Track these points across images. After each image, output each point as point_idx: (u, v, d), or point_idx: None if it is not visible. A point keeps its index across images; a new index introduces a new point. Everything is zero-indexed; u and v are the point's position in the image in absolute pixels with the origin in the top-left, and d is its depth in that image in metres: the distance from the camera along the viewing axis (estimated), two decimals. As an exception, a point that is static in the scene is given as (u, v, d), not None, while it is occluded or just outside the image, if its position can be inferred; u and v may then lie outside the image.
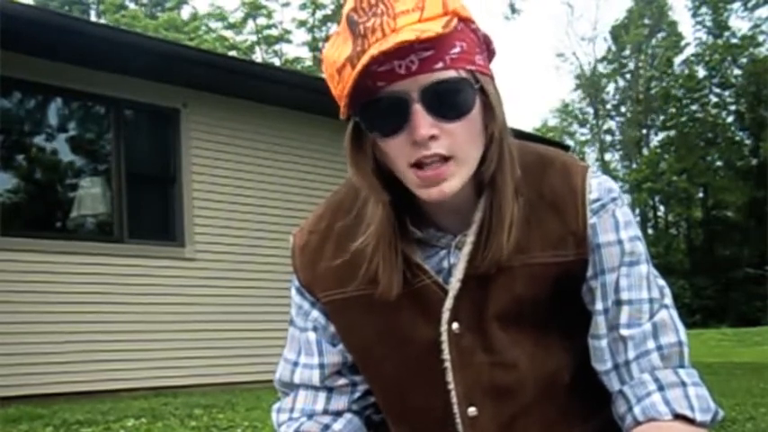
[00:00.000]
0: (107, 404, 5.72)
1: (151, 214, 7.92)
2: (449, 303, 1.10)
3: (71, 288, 6.80)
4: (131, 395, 6.47)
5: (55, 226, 7.66)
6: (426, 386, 1.14)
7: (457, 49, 1.00)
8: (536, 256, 1.09)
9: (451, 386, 1.12)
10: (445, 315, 1.10)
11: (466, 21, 1.02)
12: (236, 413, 5.18)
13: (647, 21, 37.12)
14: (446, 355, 1.11)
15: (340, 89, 1.01)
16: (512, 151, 1.08)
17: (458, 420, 1.13)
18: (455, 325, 1.11)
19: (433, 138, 0.99)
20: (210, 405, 5.60)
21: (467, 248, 1.09)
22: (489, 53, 1.07)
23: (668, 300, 1.11)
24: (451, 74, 0.99)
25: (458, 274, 1.10)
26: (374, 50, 0.95)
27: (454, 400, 1.12)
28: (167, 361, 7.25)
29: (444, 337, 1.11)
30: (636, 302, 1.09)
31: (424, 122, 0.99)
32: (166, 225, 7.75)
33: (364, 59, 0.95)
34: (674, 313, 1.11)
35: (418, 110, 0.99)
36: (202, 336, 7.51)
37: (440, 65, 0.99)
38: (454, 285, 1.10)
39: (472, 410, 1.12)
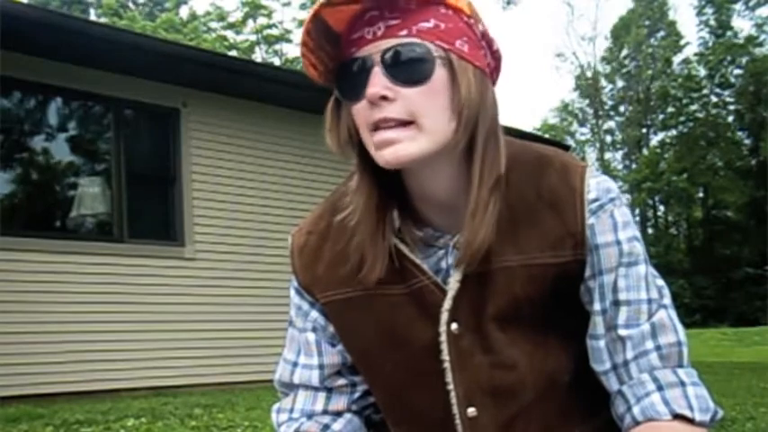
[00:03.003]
0: (107, 404, 5.72)
1: (151, 214, 7.92)
2: (447, 304, 1.10)
3: (71, 288, 6.80)
4: (131, 395, 6.46)
5: (55, 226, 7.66)
6: (426, 387, 1.13)
7: (429, 24, 1.01)
8: (534, 256, 1.09)
9: (451, 387, 1.11)
10: (444, 316, 1.10)
11: (456, 10, 1.03)
12: (236, 413, 5.17)
13: (647, 21, 37.10)
14: (445, 355, 1.11)
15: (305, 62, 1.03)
16: (498, 143, 1.06)
17: (457, 421, 1.12)
18: (454, 325, 1.10)
19: (385, 99, 1.00)
20: (210, 405, 5.60)
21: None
22: (492, 53, 1.07)
23: (667, 300, 1.11)
24: (414, 41, 1.00)
25: (456, 274, 1.09)
26: None
27: (454, 400, 1.12)
28: (167, 361, 7.25)
29: (443, 338, 1.10)
30: (634, 303, 1.08)
31: (376, 82, 1.00)
32: (166, 225, 7.75)
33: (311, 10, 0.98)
34: (673, 313, 1.10)
35: (376, 72, 1.00)
36: (202, 335, 7.50)
37: (404, 32, 1.00)
38: (453, 286, 1.09)
39: (472, 411, 1.12)
